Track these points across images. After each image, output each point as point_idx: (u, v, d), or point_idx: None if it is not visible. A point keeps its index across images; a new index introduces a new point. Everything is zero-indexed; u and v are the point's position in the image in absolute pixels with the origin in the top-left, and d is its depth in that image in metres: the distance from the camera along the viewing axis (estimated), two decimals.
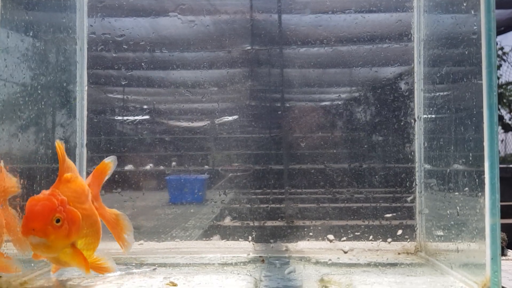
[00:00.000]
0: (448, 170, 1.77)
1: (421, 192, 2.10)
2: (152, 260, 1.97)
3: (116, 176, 2.16)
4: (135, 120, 2.26)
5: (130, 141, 2.25)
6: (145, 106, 2.27)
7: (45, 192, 1.43)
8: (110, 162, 1.73)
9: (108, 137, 2.22)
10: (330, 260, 1.96)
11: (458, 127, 1.67)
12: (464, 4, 1.60)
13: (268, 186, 2.22)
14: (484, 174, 1.37)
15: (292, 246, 2.15)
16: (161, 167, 2.25)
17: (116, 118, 2.26)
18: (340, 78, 2.29)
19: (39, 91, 1.79)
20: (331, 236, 2.13)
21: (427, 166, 2.04)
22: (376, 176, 2.19)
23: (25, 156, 1.73)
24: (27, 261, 1.63)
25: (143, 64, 2.22)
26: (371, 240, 2.14)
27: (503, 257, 2.15)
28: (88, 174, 2.06)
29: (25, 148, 1.73)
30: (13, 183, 1.53)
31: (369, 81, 2.25)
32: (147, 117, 2.26)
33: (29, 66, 1.75)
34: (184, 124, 2.24)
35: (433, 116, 2.00)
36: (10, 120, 1.62)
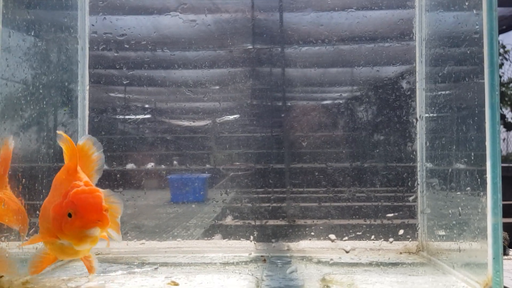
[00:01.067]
0: (450, 170, 1.77)
1: (423, 191, 2.10)
2: (153, 260, 1.97)
3: (118, 175, 2.16)
4: (137, 119, 2.26)
5: (132, 140, 2.25)
6: (146, 105, 2.27)
7: (79, 183, 1.37)
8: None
9: (109, 136, 2.22)
10: (331, 259, 1.96)
11: (460, 126, 1.67)
12: (466, 3, 1.60)
13: (270, 185, 2.21)
14: (486, 174, 1.37)
15: (293, 245, 2.15)
16: (163, 166, 2.25)
17: (117, 117, 2.26)
18: (341, 77, 2.28)
19: (41, 91, 1.79)
20: (332, 236, 2.13)
21: (429, 166, 2.04)
22: (378, 176, 2.19)
23: (26, 155, 1.73)
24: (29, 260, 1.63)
25: (144, 63, 2.22)
26: (373, 239, 2.13)
27: (505, 257, 2.15)
28: None
29: (27, 147, 1.73)
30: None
31: (370, 80, 2.24)
32: (148, 116, 2.26)
33: (31, 66, 1.75)
34: (186, 123, 2.24)
35: (435, 115, 2.00)
36: (12, 119, 1.62)
